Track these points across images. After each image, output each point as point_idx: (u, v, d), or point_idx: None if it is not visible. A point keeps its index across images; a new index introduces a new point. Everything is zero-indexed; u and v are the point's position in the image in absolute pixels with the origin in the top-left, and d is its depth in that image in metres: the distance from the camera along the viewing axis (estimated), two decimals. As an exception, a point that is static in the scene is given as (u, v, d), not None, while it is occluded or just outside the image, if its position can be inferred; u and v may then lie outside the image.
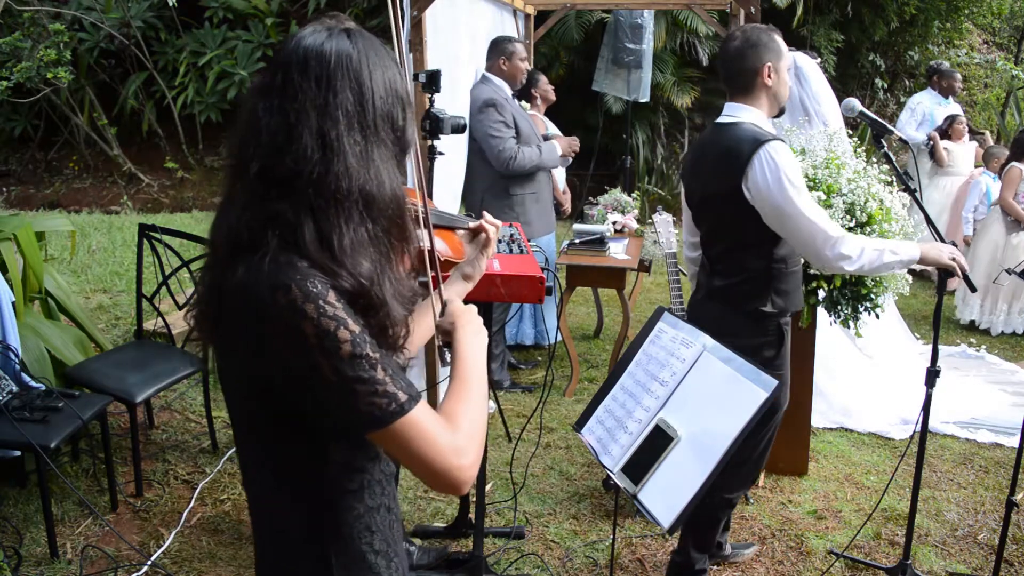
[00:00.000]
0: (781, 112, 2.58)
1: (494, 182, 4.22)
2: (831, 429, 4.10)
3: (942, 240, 2.53)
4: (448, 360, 1.31)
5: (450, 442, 1.10)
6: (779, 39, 2.48)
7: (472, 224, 1.64)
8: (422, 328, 1.52)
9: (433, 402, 4.11)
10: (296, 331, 1.03)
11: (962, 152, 6.82)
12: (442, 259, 1.57)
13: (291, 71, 1.09)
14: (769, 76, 2.44)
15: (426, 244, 1.36)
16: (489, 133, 4.11)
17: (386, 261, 1.13)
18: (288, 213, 1.06)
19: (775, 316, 2.51)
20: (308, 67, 1.08)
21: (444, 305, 1.37)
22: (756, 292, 2.49)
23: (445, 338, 1.33)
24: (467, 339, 1.29)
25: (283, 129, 1.07)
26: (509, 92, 4.32)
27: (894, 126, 5.36)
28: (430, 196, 3.15)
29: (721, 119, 2.53)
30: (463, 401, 1.18)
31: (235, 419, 1.22)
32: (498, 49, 4.34)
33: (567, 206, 5.31)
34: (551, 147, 4.38)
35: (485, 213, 1.68)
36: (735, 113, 2.49)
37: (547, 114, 5.38)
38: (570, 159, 4.72)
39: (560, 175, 5.14)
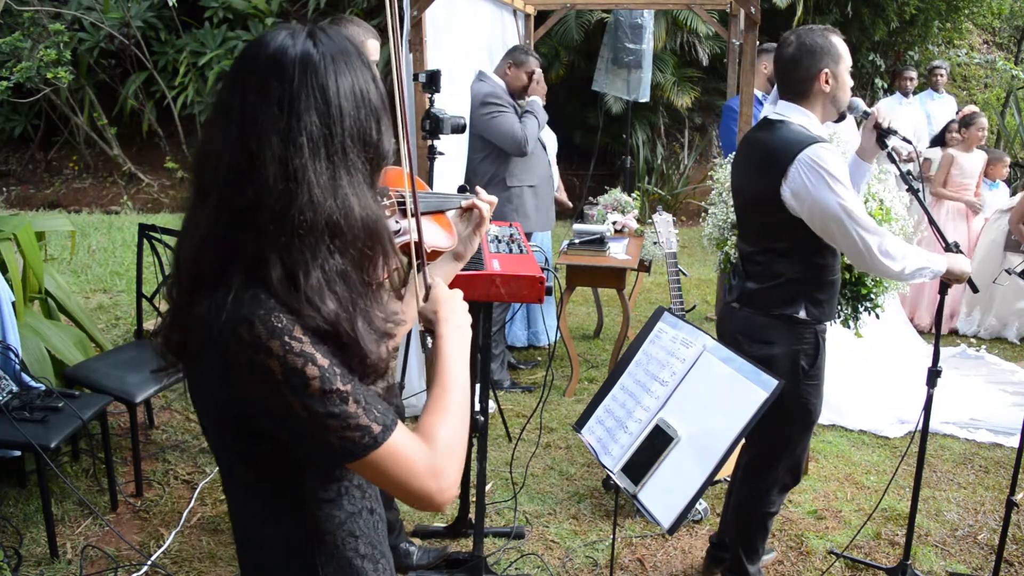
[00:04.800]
0: (842, 117, 2.45)
1: (493, 175, 4.22)
2: (829, 428, 4.10)
3: (945, 241, 2.52)
4: (428, 346, 1.24)
5: (428, 464, 1.06)
6: (837, 40, 2.35)
7: (464, 203, 1.59)
8: (409, 312, 1.47)
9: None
10: (262, 368, 0.98)
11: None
12: (430, 250, 1.53)
13: (250, 92, 1.01)
14: (827, 82, 2.33)
15: (413, 236, 1.31)
16: (495, 121, 4.10)
17: (357, 295, 1.06)
18: (251, 247, 1.00)
19: (810, 324, 2.42)
20: (269, 88, 1.00)
21: (428, 289, 1.28)
22: (789, 298, 2.40)
23: (427, 325, 1.25)
24: (449, 335, 1.22)
25: (244, 157, 1.00)
26: (506, 91, 4.32)
27: None
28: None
29: (771, 114, 2.43)
30: (441, 412, 1.13)
31: (209, 438, 1.19)
32: (511, 56, 4.35)
33: (564, 198, 5.15)
34: (535, 105, 4.28)
35: (479, 189, 1.64)
36: (785, 112, 2.38)
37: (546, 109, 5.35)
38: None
39: (555, 178, 5.09)
